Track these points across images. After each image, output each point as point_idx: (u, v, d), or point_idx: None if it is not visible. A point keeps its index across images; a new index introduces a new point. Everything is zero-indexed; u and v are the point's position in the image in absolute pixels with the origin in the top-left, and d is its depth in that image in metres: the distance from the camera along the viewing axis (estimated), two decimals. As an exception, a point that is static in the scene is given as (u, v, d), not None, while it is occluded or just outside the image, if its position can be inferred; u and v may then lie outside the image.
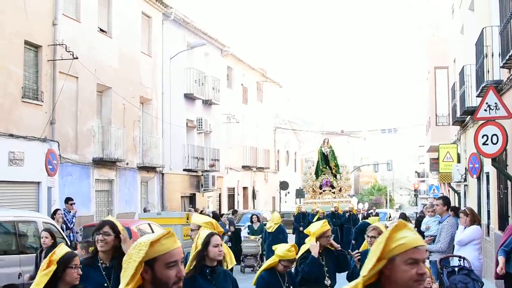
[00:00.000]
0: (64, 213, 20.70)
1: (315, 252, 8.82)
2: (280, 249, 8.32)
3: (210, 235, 6.86)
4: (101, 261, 6.68)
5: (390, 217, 53.70)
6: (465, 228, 12.91)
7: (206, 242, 6.77)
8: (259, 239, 25.09)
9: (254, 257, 24.86)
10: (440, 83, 36.37)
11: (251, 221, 26.55)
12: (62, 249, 6.15)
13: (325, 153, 37.62)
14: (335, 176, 36.97)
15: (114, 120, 29.99)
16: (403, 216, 21.67)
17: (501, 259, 11.07)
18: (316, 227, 9.00)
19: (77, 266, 6.11)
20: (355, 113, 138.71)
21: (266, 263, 8.54)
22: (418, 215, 17.93)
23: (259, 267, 24.37)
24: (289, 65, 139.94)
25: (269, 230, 22.22)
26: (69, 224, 20.52)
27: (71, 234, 20.12)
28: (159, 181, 35.16)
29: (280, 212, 36.19)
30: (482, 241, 13.08)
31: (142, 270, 3.62)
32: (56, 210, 20.72)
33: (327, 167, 37.26)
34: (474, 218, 12.90)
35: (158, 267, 3.64)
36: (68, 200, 22.02)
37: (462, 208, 17.26)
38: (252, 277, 21.90)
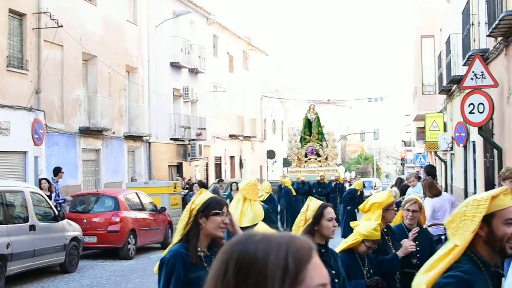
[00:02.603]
0: (54, 183, 20.63)
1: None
2: (365, 227, 6.91)
3: (323, 206, 5.96)
4: (200, 248, 5.18)
5: (375, 186, 54.12)
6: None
7: (319, 215, 5.85)
8: None
9: None
10: (426, 52, 36.39)
11: (231, 189, 25.91)
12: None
13: (311, 120, 37.08)
14: (321, 144, 36.42)
15: (100, 89, 29.87)
16: (400, 181, 21.65)
17: None
18: (383, 197, 7.59)
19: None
20: (341, 82, 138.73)
21: (346, 243, 7.02)
22: (402, 185, 17.96)
23: None
24: (275, 34, 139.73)
25: (260, 199, 22.12)
26: (57, 196, 20.43)
27: (59, 204, 20.08)
28: (146, 150, 35.13)
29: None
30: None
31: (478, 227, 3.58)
32: (41, 179, 20.67)
33: (310, 134, 36.64)
34: (430, 192, 12.54)
35: (496, 223, 3.58)
36: (60, 169, 21.93)
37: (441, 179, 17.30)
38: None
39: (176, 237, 5.22)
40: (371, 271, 6.91)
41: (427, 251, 7.85)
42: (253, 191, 9.78)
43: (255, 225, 8.88)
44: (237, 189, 24.94)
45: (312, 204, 5.98)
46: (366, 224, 7.01)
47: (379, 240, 6.97)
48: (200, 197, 5.29)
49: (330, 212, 5.93)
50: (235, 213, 8.86)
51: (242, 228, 5.80)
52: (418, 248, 7.80)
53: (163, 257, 5.10)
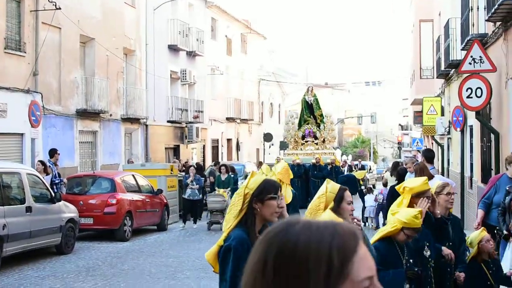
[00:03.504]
0: (50, 165, 20.60)
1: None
2: (405, 214, 6.41)
3: (343, 189, 5.90)
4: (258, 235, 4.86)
5: (370, 169, 54.55)
6: None
7: (340, 198, 5.79)
8: (228, 192, 24.24)
9: (221, 213, 23.25)
10: (424, 36, 36.28)
11: (219, 171, 25.83)
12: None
13: (309, 102, 36.56)
14: (318, 126, 35.92)
15: (98, 71, 29.82)
16: (396, 164, 21.59)
17: (480, 213, 11.22)
18: (415, 183, 7.16)
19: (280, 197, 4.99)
20: (339, 65, 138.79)
21: (384, 231, 6.63)
22: (399, 168, 17.94)
23: None
24: (273, 17, 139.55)
25: None
26: (54, 178, 20.39)
27: (56, 186, 20.06)
28: (143, 132, 35.11)
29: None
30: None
31: None
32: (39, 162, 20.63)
33: (311, 116, 36.15)
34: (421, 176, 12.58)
35: None
36: (56, 151, 21.91)
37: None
38: (217, 237, 21.91)
39: (231, 222, 4.99)
40: (410, 260, 6.52)
41: (457, 239, 7.74)
42: (287, 175, 10.16)
43: None
44: (227, 170, 25.06)
45: (331, 187, 5.88)
46: (406, 211, 6.55)
47: (419, 228, 6.49)
48: (253, 180, 5.04)
49: (349, 195, 5.88)
50: None
51: None
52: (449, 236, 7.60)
53: (228, 244, 4.85)
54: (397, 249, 6.48)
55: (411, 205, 6.87)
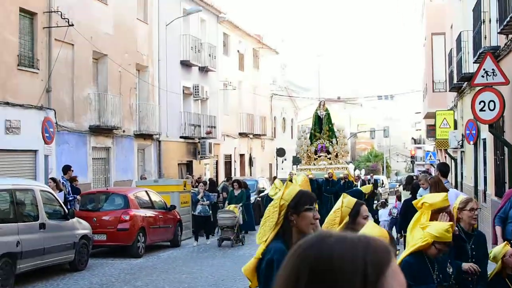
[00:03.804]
0: (63, 182, 20.61)
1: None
2: (436, 228, 6.35)
3: (359, 203, 5.84)
4: None
5: (382, 183, 54.37)
6: None
7: (356, 212, 5.73)
8: (239, 208, 24.20)
9: (232, 229, 23.47)
10: (437, 49, 36.22)
11: (232, 187, 25.97)
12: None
13: (321, 116, 36.26)
14: (330, 141, 35.60)
15: (111, 88, 29.91)
16: (410, 179, 21.46)
17: (498, 230, 11.06)
18: (436, 199, 7.01)
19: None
20: (352, 80, 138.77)
21: (415, 245, 6.48)
22: (413, 182, 17.86)
23: (238, 239, 23.96)
24: (285, 32, 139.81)
25: (273, 197, 21.91)
26: (68, 195, 20.40)
27: (70, 203, 20.06)
28: (156, 148, 35.14)
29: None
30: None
31: None
32: (51, 179, 20.64)
33: (321, 131, 35.81)
34: (436, 190, 12.53)
35: None
36: (69, 168, 21.89)
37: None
38: (230, 253, 21.74)
39: (268, 235, 4.87)
40: (441, 275, 6.44)
41: (481, 253, 7.62)
42: (308, 187, 10.05)
43: None
44: (239, 186, 25.09)
45: (347, 201, 5.82)
46: (438, 225, 6.45)
47: (450, 242, 6.43)
48: (288, 191, 4.94)
49: (365, 209, 5.81)
50: None
51: None
52: (474, 252, 7.51)
53: (270, 257, 4.69)
54: (427, 263, 6.38)
55: (430, 221, 6.75)
